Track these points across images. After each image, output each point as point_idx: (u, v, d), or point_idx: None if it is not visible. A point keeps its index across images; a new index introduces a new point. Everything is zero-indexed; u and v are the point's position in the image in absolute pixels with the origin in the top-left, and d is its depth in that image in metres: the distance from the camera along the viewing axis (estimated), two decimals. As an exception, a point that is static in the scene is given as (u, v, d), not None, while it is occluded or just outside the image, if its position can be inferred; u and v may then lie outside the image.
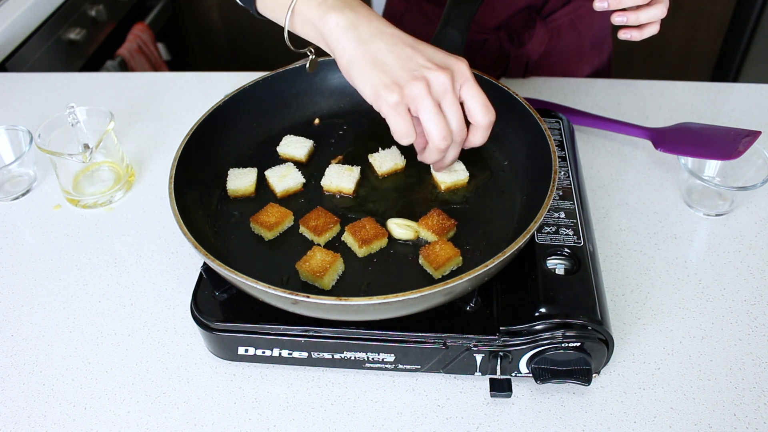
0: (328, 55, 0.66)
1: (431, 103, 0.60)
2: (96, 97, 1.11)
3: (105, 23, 1.75)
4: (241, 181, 0.76)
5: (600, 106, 1.02)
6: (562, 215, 0.71)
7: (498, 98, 0.78)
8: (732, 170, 0.84)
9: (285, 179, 0.76)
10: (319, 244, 0.70)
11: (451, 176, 0.75)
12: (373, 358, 0.65)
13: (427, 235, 0.69)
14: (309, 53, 0.73)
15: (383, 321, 0.62)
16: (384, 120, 0.62)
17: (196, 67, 2.42)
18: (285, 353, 0.66)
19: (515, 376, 0.66)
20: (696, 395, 0.65)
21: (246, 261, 0.69)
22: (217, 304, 0.67)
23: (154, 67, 1.90)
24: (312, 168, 0.80)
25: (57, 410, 0.67)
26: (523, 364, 0.64)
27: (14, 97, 1.12)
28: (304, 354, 0.66)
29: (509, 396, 0.64)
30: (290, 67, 0.84)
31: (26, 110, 1.09)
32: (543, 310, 0.62)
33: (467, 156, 0.79)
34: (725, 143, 0.80)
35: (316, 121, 0.86)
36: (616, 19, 0.71)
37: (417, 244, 0.70)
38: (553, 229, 0.69)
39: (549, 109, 0.87)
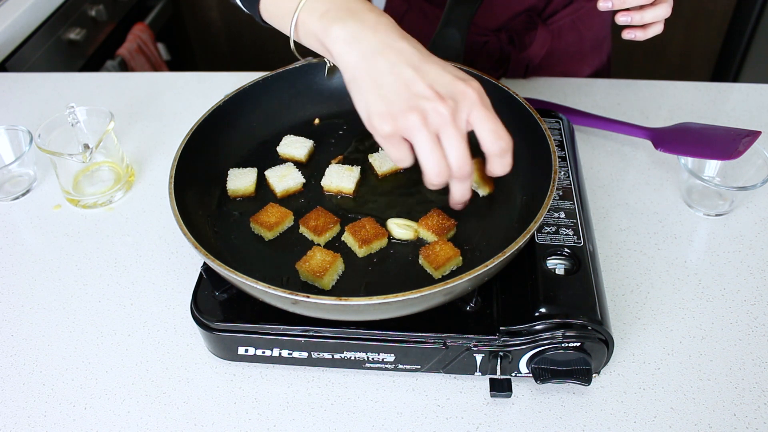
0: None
1: (426, 137, 0.55)
2: (96, 97, 1.11)
3: (105, 23, 1.75)
4: (241, 181, 0.76)
5: (600, 106, 1.02)
6: (562, 215, 0.71)
7: (498, 98, 0.78)
8: (732, 170, 0.84)
9: (285, 179, 0.76)
10: (319, 244, 0.70)
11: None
12: (373, 358, 0.65)
13: (427, 235, 0.69)
14: (327, 61, 0.70)
15: (383, 321, 0.62)
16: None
17: (196, 67, 2.42)
18: (285, 353, 0.66)
19: (515, 376, 0.66)
20: (696, 395, 0.65)
21: (246, 261, 0.69)
22: (217, 304, 0.67)
23: (154, 67, 1.90)
24: (312, 168, 0.80)
25: (57, 410, 0.67)
26: (523, 364, 0.64)
27: (14, 97, 1.12)
28: (304, 354, 0.66)
29: (509, 396, 0.64)
30: (290, 67, 0.84)
31: (26, 110, 1.09)
32: (543, 310, 0.62)
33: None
34: (725, 143, 0.80)
35: (316, 121, 0.86)
36: (621, 19, 0.70)
37: (417, 244, 0.70)
38: (553, 229, 0.69)
39: (549, 109, 0.87)
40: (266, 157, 0.81)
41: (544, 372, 0.63)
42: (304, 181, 0.77)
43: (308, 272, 0.65)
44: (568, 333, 0.61)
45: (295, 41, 0.63)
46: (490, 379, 0.65)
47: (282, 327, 0.64)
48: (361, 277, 0.67)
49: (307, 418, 0.65)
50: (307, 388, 0.68)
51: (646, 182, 0.89)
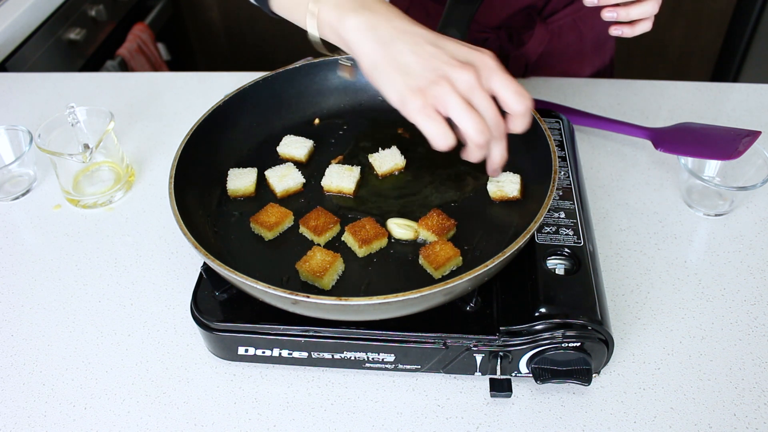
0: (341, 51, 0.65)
1: (459, 101, 0.57)
2: (96, 97, 1.11)
3: (105, 23, 1.75)
4: (241, 181, 0.76)
5: (600, 106, 1.02)
6: (562, 215, 0.71)
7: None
8: (732, 170, 0.84)
9: (285, 179, 0.76)
10: (319, 244, 0.70)
11: (500, 188, 0.73)
12: (373, 358, 0.65)
13: (426, 235, 0.69)
14: (347, 61, 0.71)
15: (383, 321, 0.62)
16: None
17: (196, 67, 2.42)
18: (285, 353, 0.66)
19: (515, 376, 0.66)
20: (696, 395, 0.65)
21: (246, 261, 0.69)
22: (217, 304, 0.67)
23: (154, 67, 1.90)
24: (312, 168, 0.80)
25: (57, 410, 0.67)
26: (523, 364, 0.64)
27: (14, 97, 1.12)
28: (304, 354, 0.66)
29: (509, 396, 0.64)
30: (290, 67, 0.84)
31: (26, 110, 1.09)
32: (543, 310, 0.62)
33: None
34: (725, 143, 0.80)
35: (316, 121, 0.86)
36: (606, 15, 0.70)
37: (417, 244, 0.70)
38: (553, 229, 0.69)
39: (549, 109, 0.87)
40: (266, 157, 0.81)
41: (544, 372, 0.63)
42: (304, 181, 0.77)
43: (308, 272, 0.65)
44: (568, 333, 0.61)
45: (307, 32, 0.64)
46: (490, 379, 0.65)
47: (282, 327, 0.64)
48: (361, 277, 0.67)
49: (307, 418, 0.65)
50: (307, 388, 0.68)
51: (646, 182, 0.89)
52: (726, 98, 1.03)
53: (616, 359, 0.68)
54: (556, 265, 0.67)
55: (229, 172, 0.77)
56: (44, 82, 1.15)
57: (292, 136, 0.82)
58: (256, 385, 0.68)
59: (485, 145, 0.60)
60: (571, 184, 0.75)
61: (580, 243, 0.68)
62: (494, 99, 0.59)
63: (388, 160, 0.78)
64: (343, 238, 0.70)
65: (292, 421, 0.65)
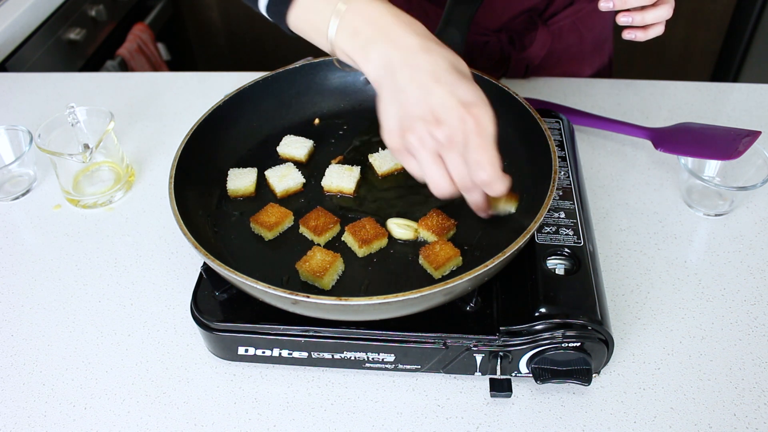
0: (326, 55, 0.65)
1: (425, 155, 0.58)
2: (96, 97, 1.11)
3: (105, 23, 1.75)
4: (241, 181, 0.76)
5: (600, 106, 1.02)
6: (562, 215, 0.71)
7: (498, 98, 0.78)
8: (732, 170, 0.84)
9: (285, 179, 0.76)
10: (319, 244, 0.70)
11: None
12: (373, 358, 0.65)
13: (426, 235, 0.69)
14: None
15: (383, 321, 0.62)
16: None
17: (196, 67, 2.42)
18: (285, 353, 0.66)
19: (515, 376, 0.66)
20: (696, 395, 0.65)
21: (246, 261, 0.69)
22: (217, 304, 0.67)
23: (154, 67, 1.90)
24: (312, 168, 0.80)
25: (57, 410, 0.67)
26: (523, 364, 0.64)
27: (14, 97, 1.12)
28: (304, 354, 0.66)
29: (509, 396, 0.64)
30: (290, 67, 0.84)
31: (26, 110, 1.09)
32: (543, 310, 0.62)
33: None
34: (725, 143, 0.80)
35: (316, 121, 0.86)
36: (622, 20, 0.70)
37: (417, 244, 0.70)
38: (553, 229, 0.69)
39: (549, 109, 0.87)
40: (266, 157, 0.81)
41: (544, 372, 0.63)
42: (304, 181, 0.77)
43: (308, 272, 0.65)
44: (568, 333, 0.60)
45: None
46: (490, 379, 0.65)
47: (282, 327, 0.64)
48: (361, 277, 0.67)
49: (307, 418, 0.65)
50: (307, 388, 0.68)
51: (646, 182, 0.89)
52: (726, 98, 1.03)
53: (616, 359, 0.68)
54: (556, 265, 0.67)
55: (229, 172, 0.77)
56: (44, 82, 1.15)
57: (292, 136, 0.82)
58: (256, 385, 0.68)
59: (447, 196, 0.61)
60: (571, 184, 0.75)
61: (580, 243, 0.68)
62: None
63: (388, 160, 0.78)
64: (343, 238, 0.70)
65: (292, 421, 0.65)
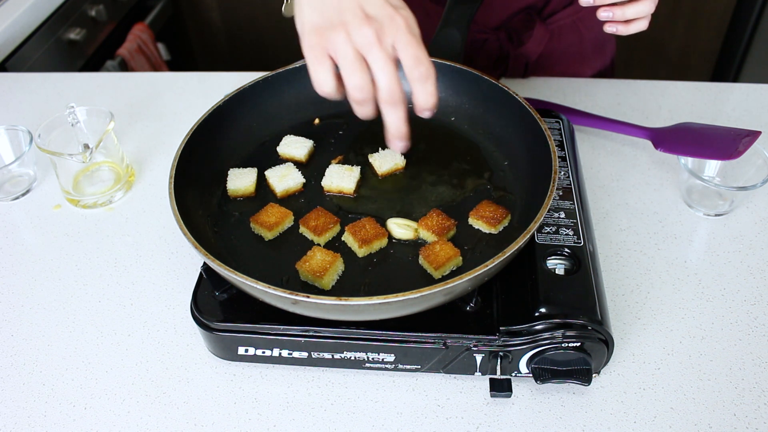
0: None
1: (348, 53, 0.56)
2: (96, 97, 1.11)
3: (105, 23, 1.75)
4: (241, 181, 0.76)
5: (600, 106, 1.02)
6: (562, 215, 0.71)
7: (498, 98, 0.78)
8: (732, 170, 0.84)
9: (285, 179, 0.76)
10: (319, 244, 0.70)
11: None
12: (373, 358, 0.65)
13: (426, 235, 0.69)
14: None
15: (383, 321, 0.62)
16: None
17: (196, 67, 2.42)
18: (285, 353, 0.66)
19: (515, 376, 0.66)
20: (696, 395, 0.65)
21: (246, 261, 0.69)
22: (217, 304, 0.67)
23: (154, 67, 1.90)
24: (312, 168, 0.80)
25: (57, 410, 0.67)
26: (523, 364, 0.64)
27: (14, 97, 1.12)
28: (304, 354, 0.66)
29: (509, 396, 0.64)
30: (290, 67, 0.84)
31: (26, 110, 1.09)
32: (543, 310, 0.62)
33: (467, 155, 0.79)
34: (725, 143, 0.80)
35: (316, 121, 0.86)
36: (602, 15, 0.70)
37: (417, 244, 0.70)
38: (553, 229, 0.69)
39: (549, 109, 0.87)
40: (266, 157, 0.81)
41: (544, 372, 0.63)
42: (304, 181, 0.77)
43: (308, 272, 0.65)
44: (568, 333, 0.60)
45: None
46: (490, 379, 0.65)
47: (282, 327, 0.64)
48: (361, 277, 0.67)
49: (307, 418, 0.65)
50: (307, 388, 0.68)
51: (646, 182, 0.89)
52: (726, 98, 1.03)
53: (616, 359, 0.68)
54: (556, 265, 0.67)
55: (229, 172, 0.77)
56: (44, 82, 1.15)
57: (292, 136, 0.82)
58: (256, 385, 0.68)
59: (364, 103, 0.58)
60: (571, 184, 0.75)
61: (580, 243, 0.68)
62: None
63: (388, 160, 0.78)
64: (343, 238, 0.70)
65: (292, 421, 0.65)
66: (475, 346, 0.63)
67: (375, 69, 0.56)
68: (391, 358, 0.65)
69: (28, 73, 1.21)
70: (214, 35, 2.39)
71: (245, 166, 0.78)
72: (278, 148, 0.81)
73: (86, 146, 0.87)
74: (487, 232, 0.70)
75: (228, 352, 0.68)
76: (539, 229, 0.69)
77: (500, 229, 0.70)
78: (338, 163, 0.79)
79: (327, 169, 0.77)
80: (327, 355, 0.65)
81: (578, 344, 0.61)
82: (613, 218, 0.84)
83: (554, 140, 0.75)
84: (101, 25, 1.74)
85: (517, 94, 0.76)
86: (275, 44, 2.35)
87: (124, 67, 1.76)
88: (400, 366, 0.66)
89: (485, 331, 0.63)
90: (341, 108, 0.86)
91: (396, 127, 0.60)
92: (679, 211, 0.85)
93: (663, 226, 0.83)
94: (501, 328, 0.62)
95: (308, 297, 0.56)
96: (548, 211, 0.71)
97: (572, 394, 0.66)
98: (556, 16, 1.05)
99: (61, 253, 0.83)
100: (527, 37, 1.04)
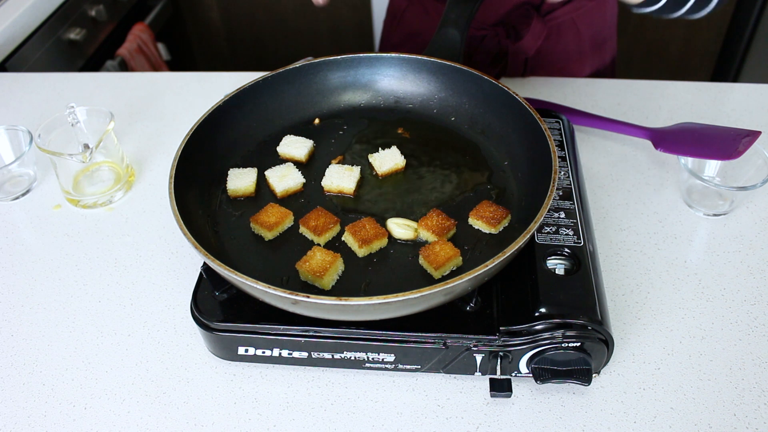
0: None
1: None
2: (96, 97, 1.11)
3: (105, 23, 1.75)
4: (241, 181, 0.76)
5: (600, 106, 1.02)
6: (562, 215, 0.71)
7: (498, 98, 0.78)
8: (732, 170, 0.84)
9: (285, 179, 0.76)
10: (319, 244, 0.70)
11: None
12: (373, 358, 0.65)
13: (426, 235, 0.69)
14: None
15: (383, 321, 0.62)
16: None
17: (196, 67, 2.42)
18: (285, 353, 0.66)
19: (515, 376, 0.66)
20: (696, 395, 0.65)
21: (246, 261, 0.69)
22: (217, 304, 0.67)
23: (154, 67, 1.90)
24: (312, 168, 0.80)
25: (57, 410, 0.67)
26: (523, 364, 0.64)
27: (14, 97, 1.12)
28: (304, 354, 0.66)
29: (509, 396, 0.64)
30: (290, 67, 0.84)
31: (26, 110, 1.09)
32: (543, 310, 0.62)
33: (467, 155, 0.79)
34: (725, 143, 0.80)
35: (316, 121, 0.86)
36: None
37: (417, 244, 0.70)
38: (553, 229, 0.69)
39: (549, 109, 0.87)
40: (266, 157, 0.81)
41: (544, 372, 0.63)
42: (304, 181, 0.77)
43: (308, 272, 0.65)
44: (568, 333, 0.61)
45: None
46: (490, 379, 0.65)
47: (282, 327, 0.64)
48: (361, 277, 0.67)
49: (307, 418, 0.65)
50: (307, 388, 0.68)
51: (646, 182, 0.89)
52: (726, 98, 1.03)
53: (616, 359, 0.68)
54: (556, 265, 0.67)
55: (229, 172, 0.77)
56: (44, 82, 1.15)
57: (292, 136, 0.82)
58: (256, 385, 0.68)
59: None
60: (571, 184, 0.75)
61: (580, 243, 0.68)
62: None
63: (388, 160, 0.78)
64: (343, 238, 0.70)
65: (292, 421, 0.65)
66: (475, 346, 0.63)
67: None
68: (391, 358, 0.65)
69: (28, 73, 1.22)
70: (214, 35, 2.39)
71: (245, 166, 0.78)
72: (278, 148, 0.81)
73: (86, 146, 0.87)
74: (487, 232, 0.70)
75: (228, 352, 0.68)
76: (539, 229, 0.69)
77: (500, 229, 0.70)
78: (338, 163, 0.79)
79: (327, 169, 0.77)
80: (327, 355, 0.65)
81: (578, 344, 0.61)
82: (613, 218, 0.84)
83: (554, 140, 0.75)
84: (101, 25, 1.74)
85: (517, 94, 0.76)
86: (275, 44, 2.35)
87: (124, 67, 1.76)
88: (400, 366, 0.66)
89: (485, 331, 0.63)
90: (341, 108, 0.87)
91: None
92: (679, 211, 0.85)
93: (663, 226, 0.83)
94: (501, 328, 0.62)
95: (308, 297, 0.56)
96: (548, 211, 0.71)
97: (572, 394, 0.66)
98: (555, 13, 1.06)
99: (61, 253, 0.83)
100: (525, 31, 1.04)
